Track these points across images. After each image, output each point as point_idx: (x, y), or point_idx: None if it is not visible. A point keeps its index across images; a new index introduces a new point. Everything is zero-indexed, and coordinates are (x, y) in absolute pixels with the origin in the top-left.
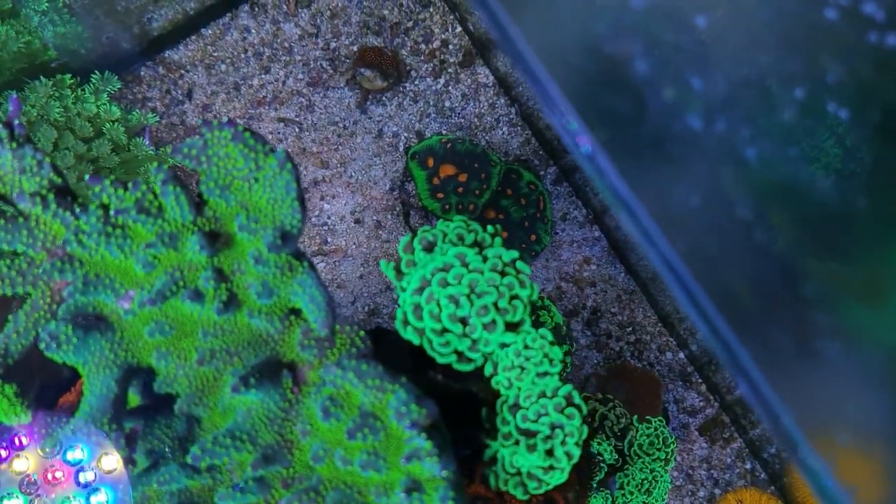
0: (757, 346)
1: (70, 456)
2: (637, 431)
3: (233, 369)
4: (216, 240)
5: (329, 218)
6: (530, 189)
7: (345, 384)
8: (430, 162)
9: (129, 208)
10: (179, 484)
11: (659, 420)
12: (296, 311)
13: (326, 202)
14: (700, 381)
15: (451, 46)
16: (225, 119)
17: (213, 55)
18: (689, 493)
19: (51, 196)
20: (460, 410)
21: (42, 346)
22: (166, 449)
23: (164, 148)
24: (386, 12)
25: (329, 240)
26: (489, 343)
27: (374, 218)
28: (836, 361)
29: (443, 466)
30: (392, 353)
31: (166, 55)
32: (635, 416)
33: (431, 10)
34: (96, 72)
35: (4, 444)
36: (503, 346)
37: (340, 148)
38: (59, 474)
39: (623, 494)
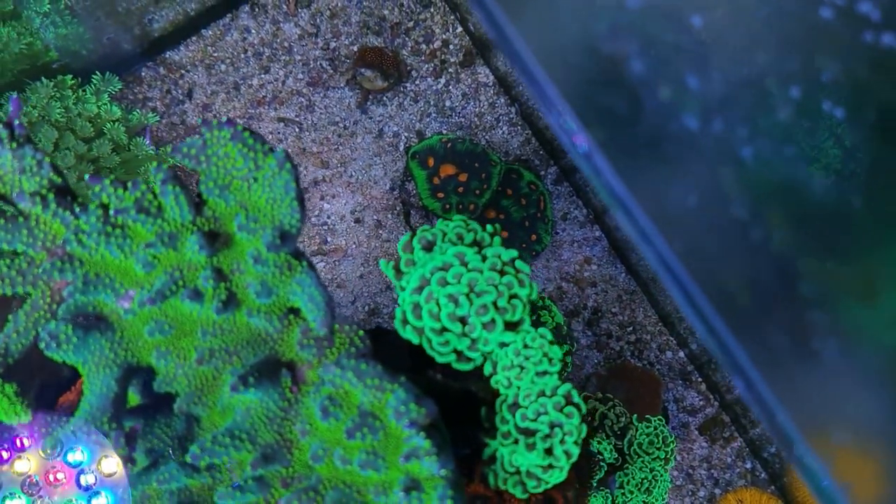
0: (754, 346)
1: (71, 458)
2: (637, 430)
3: (232, 368)
4: (215, 239)
5: (329, 217)
6: (531, 189)
7: (344, 383)
8: (431, 161)
9: (129, 208)
10: (179, 483)
11: (659, 419)
12: (295, 311)
13: (326, 202)
14: (700, 380)
15: (451, 46)
16: (225, 119)
17: (213, 55)
18: (690, 493)
19: (51, 196)
20: (459, 409)
21: (42, 345)
22: (166, 448)
23: (165, 147)
24: (386, 12)
25: (329, 239)
26: (488, 342)
27: (375, 217)
28: (833, 360)
29: (441, 465)
30: (391, 352)
31: (167, 55)
32: (635, 416)
33: (432, 10)
34: (97, 72)
35: (6, 446)
36: (502, 345)
37: (341, 148)
38: (60, 476)
39: (623, 493)
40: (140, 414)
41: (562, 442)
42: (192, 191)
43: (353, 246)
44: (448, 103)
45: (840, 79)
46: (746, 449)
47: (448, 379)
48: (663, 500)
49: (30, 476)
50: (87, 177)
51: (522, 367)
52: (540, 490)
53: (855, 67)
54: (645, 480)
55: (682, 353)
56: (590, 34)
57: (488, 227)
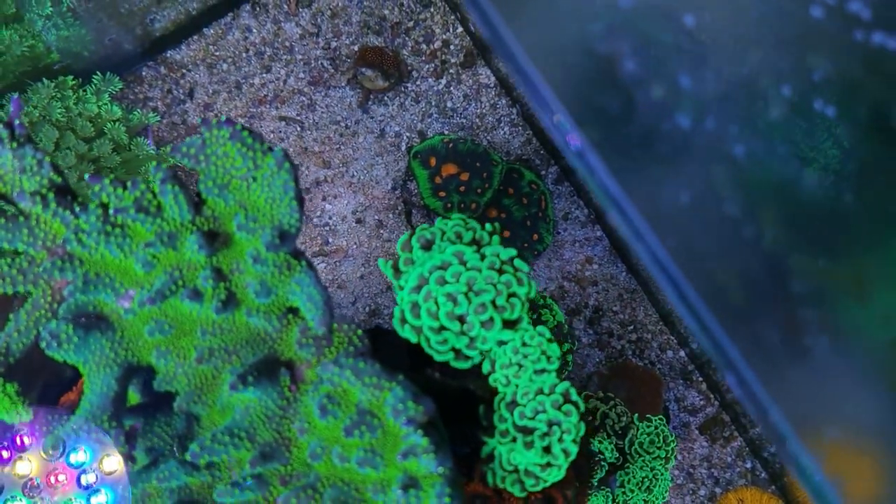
0: (746, 342)
1: (73, 458)
2: (638, 430)
3: (231, 367)
4: (215, 239)
5: (330, 218)
6: (532, 188)
7: (342, 382)
8: (433, 161)
9: (129, 207)
10: (179, 481)
11: (659, 418)
12: (294, 310)
13: (328, 202)
14: (701, 379)
15: (452, 47)
16: (226, 118)
17: (214, 55)
18: (690, 492)
19: (51, 195)
20: (458, 408)
21: (43, 344)
22: (166, 446)
23: (165, 147)
24: (386, 12)
25: (330, 240)
26: (487, 340)
27: (376, 217)
28: (825, 357)
29: (439, 463)
30: (390, 351)
31: (168, 55)
32: (636, 415)
33: (432, 10)
34: (98, 73)
35: (6, 445)
36: (501, 343)
37: (342, 147)
38: (61, 477)
39: (624, 493)
40: (140, 413)
41: (560, 440)
42: (192, 190)
43: (355, 246)
44: (449, 104)
45: (831, 77)
46: (747, 448)
47: (446, 377)
48: (664, 498)
49: (31, 478)
50: (87, 176)
51: (521, 366)
52: (538, 488)
53: (846, 66)
54: (646, 479)
55: (682, 353)
56: (583, 34)
57: (487, 225)
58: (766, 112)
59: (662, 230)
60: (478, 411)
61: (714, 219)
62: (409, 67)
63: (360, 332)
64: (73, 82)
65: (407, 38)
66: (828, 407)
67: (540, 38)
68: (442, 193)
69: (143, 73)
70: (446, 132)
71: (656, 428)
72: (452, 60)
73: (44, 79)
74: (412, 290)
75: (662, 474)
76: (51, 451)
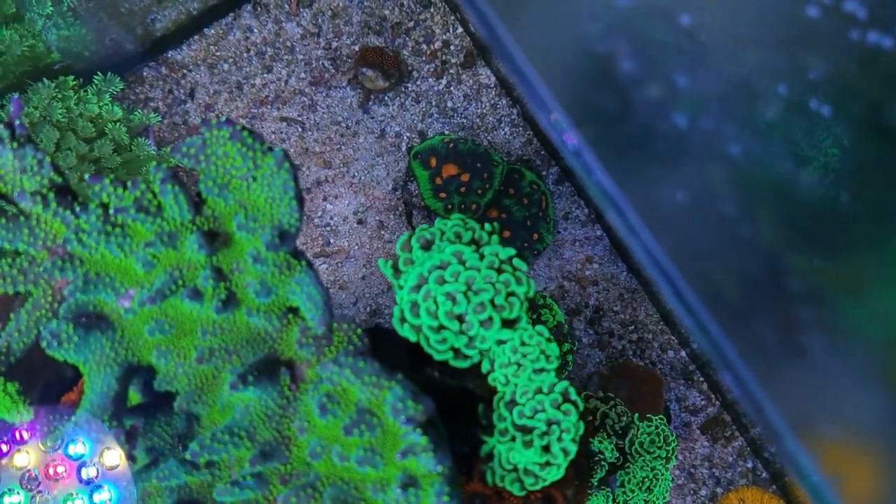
0: (742, 340)
1: (71, 450)
2: (638, 430)
3: (231, 367)
4: (215, 239)
5: (332, 219)
6: (532, 188)
7: (342, 381)
8: (433, 162)
9: (129, 207)
10: (179, 480)
11: (660, 418)
12: (294, 310)
13: (329, 203)
14: (702, 379)
15: (452, 47)
16: (227, 118)
17: (215, 55)
18: (692, 492)
19: (51, 195)
20: (457, 407)
21: (43, 344)
22: (166, 446)
23: (166, 148)
24: (387, 12)
25: (332, 241)
26: (486, 340)
27: (377, 218)
28: (821, 355)
29: (438, 462)
30: (390, 350)
31: (169, 55)
32: (636, 415)
33: (432, 10)
34: (99, 73)
35: (5, 439)
36: (500, 342)
37: (343, 148)
38: (60, 469)
39: (624, 492)
40: (140, 412)
41: (559, 439)
42: (192, 190)
43: (356, 247)
44: (450, 104)
45: (827, 77)
46: (748, 448)
47: (445, 376)
48: (664, 498)
49: (29, 470)
50: (86, 176)
51: (520, 365)
52: (537, 487)
53: (841, 65)
54: (646, 479)
55: (683, 353)
56: (581, 33)
57: (486, 225)
58: (762, 111)
59: (659, 229)
60: (477, 410)
61: (711, 218)
62: (410, 67)
63: (359, 331)
64: (74, 82)
65: (407, 39)
66: (825, 406)
67: (537, 37)
68: (442, 194)
69: (144, 74)
70: (447, 132)
71: (657, 428)
72: (453, 60)
73: (44, 79)
74: (411, 289)
75: (663, 474)
76: (48, 443)
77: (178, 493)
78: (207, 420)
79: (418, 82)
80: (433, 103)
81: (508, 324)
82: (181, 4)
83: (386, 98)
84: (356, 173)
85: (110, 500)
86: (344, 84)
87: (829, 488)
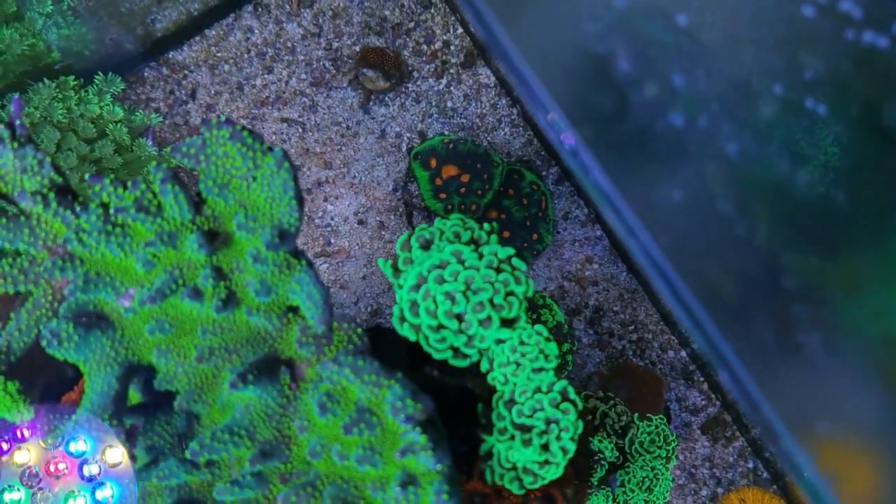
0: (739, 338)
1: (72, 447)
2: (638, 429)
3: (231, 366)
4: (215, 238)
5: (332, 219)
6: (532, 189)
7: (341, 380)
8: (433, 162)
9: (129, 207)
10: (179, 479)
11: (660, 418)
12: (294, 309)
13: (330, 203)
14: (702, 379)
15: (452, 47)
16: (226, 118)
17: (216, 55)
18: (692, 492)
19: (51, 195)
20: (457, 406)
21: (44, 343)
22: (166, 445)
23: (167, 148)
24: (387, 13)
25: (332, 241)
26: (485, 339)
27: (378, 219)
28: (818, 353)
29: (437, 460)
30: (389, 349)
31: (170, 56)
32: (636, 414)
33: (432, 11)
34: (100, 73)
35: (6, 437)
36: (499, 342)
37: (344, 148)
38: (62, 466)
39: (624, 492)
40: (141, 412)
41: (558, 438)
42: (192, 190)
43: (357, 247)
44: (450, 104)
45: (823, 76)
46: (748, 448)
47: (445, 375)
48: (664, 498)
49: (30, 467)
50: (87, 176)
51: (519, 364)
52: (536, 486)
53: (837, 65)
54: (646, 479)
55: (684, 353)
56: (578, 33)
57: (485, 225)
58: (758, 111)
59: (656, 228)
60: (476, 409)
61: (707, 217)
62: (410, 68)
63: (359, 330)
64: (75, 82)
65: (408, 39)
66: (823, 404)
67: (535, 37)
68: (442, 195)
69: (145, 74)
70: (447, 133)
71: (657, 427)
72: (453, 61)
73: (45, 79)
74: (411, 288)
75: (663, 474)
76: (49, 441)
77: (178, 492)
78: (207, 419)
79: (419, 82)
80: (433, 103)
81: (507, 323)
82: (181, 5)
83: (386, 98)
84: (357, 174)
85: (112, 496)
86: (344, 85)
87: (826, 487)
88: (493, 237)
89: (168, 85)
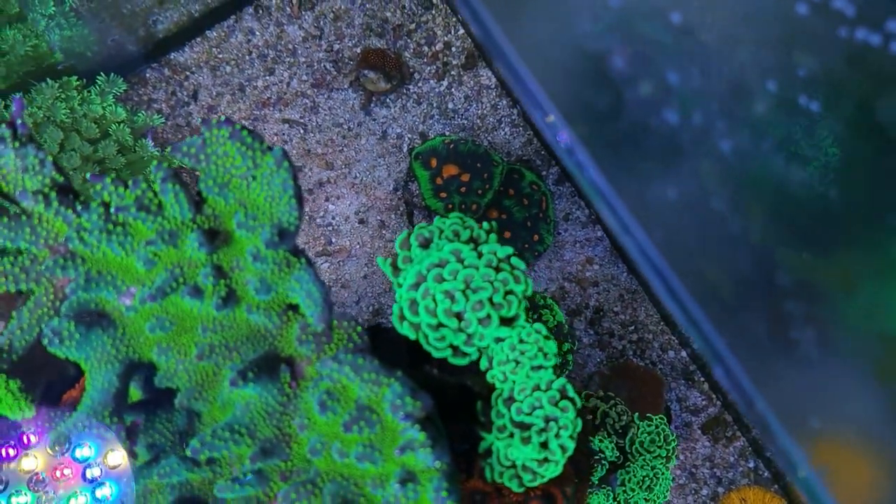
0: (733, 334)
1: (79, 454)
2: (638, 429)
3: (232, 364)
4: (215, 237)
5: (334, 219)
6: (533, 189)
7: (341, 378)
8: (434, 162)
9: (130, 206)
10: (180, 476)
11: (660, 418)
12: (294, 307)
13: (331, 203)
14: (702, 379)
15: (453, 49)
16: (226, 119)
17: (217, 57)
18: (693, 492)
19: (53, 194)
20: (457, 405)
21: (45, 341)
22: (167, 442)
23: (168, 149)
24: (388, 14)
25: (333, 240)
26: (484, 337)
27: (378, 218)
28: (811, 349)
29: (436, 457)
30: (389, 348)
31: (171, 57)
32: (636, 414)
33: (433, 12)
34: (102, 74)
35: (13, 443)
36: (498, 340)
37: (345, 149)
38: (67, 471)
39: (624, 491)
40: (141, 409)
41: (557, 436)
42: (192, 189)
43: (358, 246)
44: (450, 105)
45: (816, 74)
46: (749, 448)
47: (444, 374)
48: (665, 497)
49: (36, 473)
50: (87, 175)
51: (518, 362)
52: (536, 484)
53: (831, 62)
54: (646, 478)
55: (684, 353)
56: (574, 32)
57: (484, 224)
58: (752, 108)
59: (651, 225)
60: (476, 407)
61: (702, 214)
62: (411, 69)
63: (359, 328)
64: (78, 83)
65: (409, 41)
66: (815, 399)
67: (531, 35)
68: (443, 194)
69: (147, 75)
70: (447, 133)
71: (657, 427)
72: (454, 62)
73: (48, 79)
74: (410, 287)
75: (663, 473)
76: (56, 448)
77: (179, 489)
78: (208, 417)
79: (420, 84)
80: (434, 105)
81: (507, 322)
82: (182, 6)
83: (387, 100)
84: (358, 174)
85: (111, 495)
86: (346, 86)
87: (819, 480)
88: (493, 236)
89: (170, 86)
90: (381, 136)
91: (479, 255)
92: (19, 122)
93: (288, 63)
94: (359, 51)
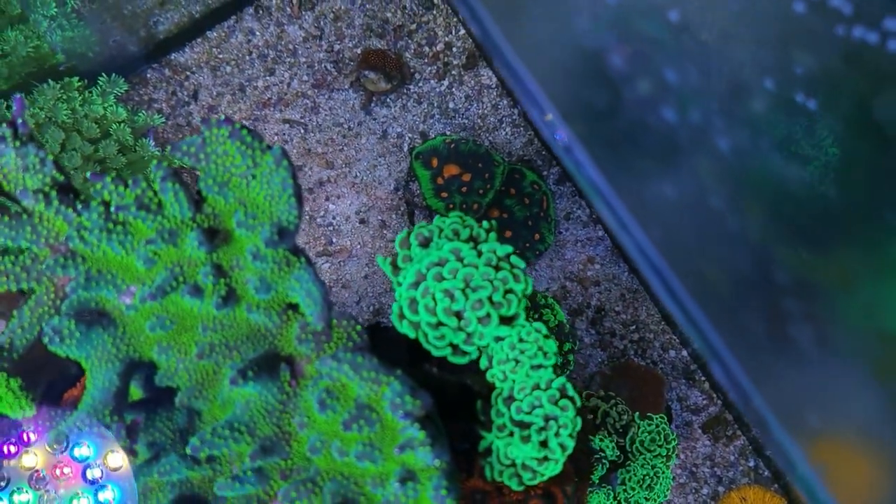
0: (731, 331)
1: (77, 452)
2: (639, 428)
3: (232, 363)
4: (215, 236)
5: (334, 218)
6: (534, 189)
7: (341, 377)
8: (435, 162)
9: (130, 205)
10: (180, 474)
11: (660, 417)
12: (293, 306)
13: (332, 203)
14: (703, 378)
15: (454, 49)
16: (225, 118)
17: (218, 57)
18: (693, 491)
19: (53, 193)
20: (457, 404)
21: (46, 340)
22: (167, 441)
23: (168, 148)
24: (389, 15)
25: (334, 240)
26: (484, 336)
27: (379, 218)
28: (809, 347)
29: (436, 456)
30: (389, 347)
31: (172, 57)
32: (637, 413)
33: (434, 12)
34: (103, 74)
35: (14, 440)
36: (498, 339)
37: (345, 149)
38: (66, 470)
39: (625, 490)
40: (142, 407)
41: (556, 434)
42: (192, 188)
43: (358, 246)
44: (451, 105)
45: (814, 72)
46: (750, 447)
47: (444, 372)
48: (665, 496)
49: (37, 471)
50: (88, 174)
51: (517, 361)
52: (535, 482)
53: (828, 60)
54: (647, 477)
55: (685, 352)
56: (572, 30)
57: (484, 223)
58: (750, 105)
59: (649, 223)
60: (475, 406)
61: (700, 212)
62: (412, 69)
63: (358, 327)
64: (79, 84)
65: (409, 41)
66: (812, 396)
67: (529, 34)
68: (444, 194)
69: (148, 75)
70: (448, 133)
71: (657, 426)
72: (454, 62)
73: (49, 80)
74: (410, 286)
75: (664, 472)
76: (55, 445)
77: (179, 487)
78: (208, 415)
79: (420, 84)
80: (435, 104)
81: (506, 320)
82: (183, 7)
83: (388, 100)
84: (358, 174)
85: (114, 498)
86: (346, 86)
87: (817, 478)
88: (492, 235)
89: (170, 86)
90: (382, 136)
91: (479, 254)
92: (20, 121)
93: (288, 63)
94: (359, 51)
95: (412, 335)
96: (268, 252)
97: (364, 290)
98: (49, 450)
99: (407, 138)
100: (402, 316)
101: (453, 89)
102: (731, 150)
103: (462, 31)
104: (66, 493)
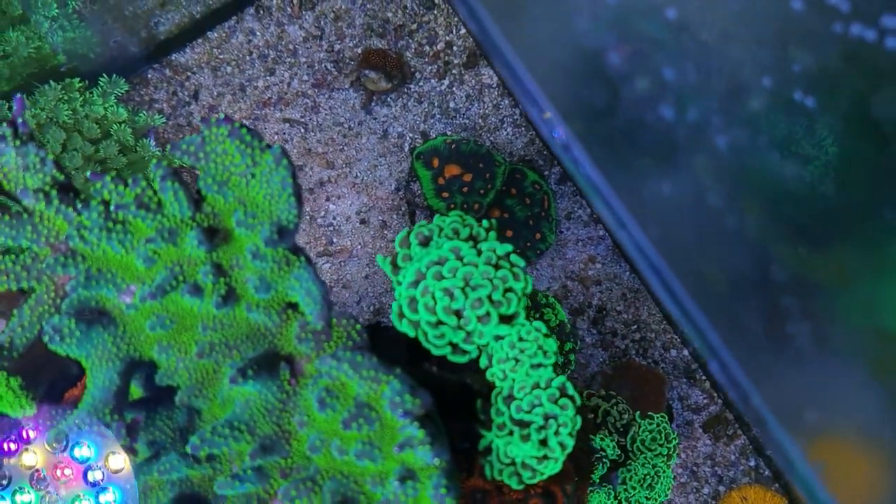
0: (728, 329)
1: (77, 452)
2: (640, 427)
3: (231, 362)
4: (215, 235)
5: (335, 218)
6: (535, 188)
7: (340, 375)
8: (435, 162)
9: (130, 204)
10: (180, 473)
11: (661, 416)
12: (293, 305)
13: (332, 203)
14: (704, 378)
15: (455, 48)
16: (226, 118)
17: (218, 57)
18: (694, 490)
19: (54, 192)
20: (456, 403)
21: (46, 339)
22: (167, 440)
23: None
24: (389, 14)
25: (335, 240)
26: (483, 335)
27: (380, 218)
28: (807, 344)
29: (435, 454)
30: (389, 346)
31: (173, 58)
32: (637, 413)
33: (435, 12)
34: (104, 75)
35: (13, 438)
36: (497, 338)
37: (346, 148)
38: (67, 471)
39: (626, 489)
40: (142, 406)
41: (556, 433)
42: (192, 187)
43: (359, 246)
44: (452, 105)
45: (812, 69)
46: (750, 446)
47: (444, 371)
48: (666, 496)
49: (37, 470)
50: (88, 174)
51: (517, 360)
52: (535, 481)
53: (826, 58)
54: (647, 476)
55: (686, 352)
56: (570, 29)
57: (484, 222)
58: (748, 103)
59: (646, 220)
60: (475, 405)
61: (698, 209)
62: (413, 69)
63: (358, 326)
64: (80, 84)
65: (410, 41)
66: (810, 393)
67: (527, 33)
68: (445, 194)
69: (149, 76)
70: (449, 133)
71: (658, 425)
72: (455, 61)
73: (51, 81)
74: (410, 285)
75: (664, 471)
76: (54, 444)
77: (179, 486)
78: (208, 414)
79: (421, 83)
80: (435, 104)
81: (506, 319)
82: (184, 7)
83: (388, 99)
84: (359, 173)
85: (115, 500)
86: (346, 86)
87: (815, 476)
88: (492, 234)
89: (171, 86)
90: (383, 136)
91: (479, 253)
92: (20, 120)
93: (289, 63)
94: (360, 51)
95: (412, 334)
96: (267, 251)
97: (364, 290)
98: (49, 449)
99: (408, 138)
100: (401, 315)
101: (454, 89)
102: (729, 148)
103: (463, 31)
104: (68, 495)
